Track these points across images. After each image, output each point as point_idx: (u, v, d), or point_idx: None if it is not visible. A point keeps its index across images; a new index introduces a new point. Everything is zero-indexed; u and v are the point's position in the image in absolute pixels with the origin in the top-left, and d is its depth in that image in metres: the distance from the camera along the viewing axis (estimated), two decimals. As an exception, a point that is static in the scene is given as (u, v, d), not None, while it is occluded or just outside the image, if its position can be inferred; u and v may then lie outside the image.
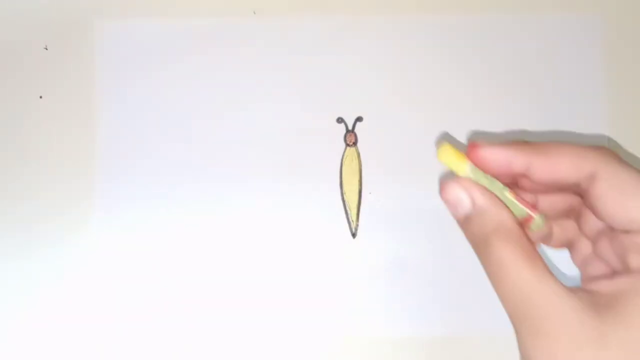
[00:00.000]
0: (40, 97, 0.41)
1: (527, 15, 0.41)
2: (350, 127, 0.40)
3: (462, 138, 0.39)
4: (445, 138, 0.40)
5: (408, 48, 0.41)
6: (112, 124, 0.40)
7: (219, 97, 0.40)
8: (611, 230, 0.24)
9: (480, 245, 0.23)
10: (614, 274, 0.24)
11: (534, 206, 0.24)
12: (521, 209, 0.23)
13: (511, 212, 0.23)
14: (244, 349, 0.38)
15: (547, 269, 0.22)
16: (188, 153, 0.40)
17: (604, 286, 0.22)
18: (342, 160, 0.40)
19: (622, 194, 0.22)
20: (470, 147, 0.24)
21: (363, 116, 0.40)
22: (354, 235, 0.39)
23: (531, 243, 0.22)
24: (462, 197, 0.23)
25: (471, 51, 0.40)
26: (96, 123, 0.40)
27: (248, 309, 0.39)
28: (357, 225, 0.39)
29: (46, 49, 0.41)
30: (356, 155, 0.40)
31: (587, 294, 0.21)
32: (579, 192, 0.23)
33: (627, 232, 0.23)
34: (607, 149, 0.23)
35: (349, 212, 0.39)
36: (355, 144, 0.40)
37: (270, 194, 0.39)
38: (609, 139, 0.39)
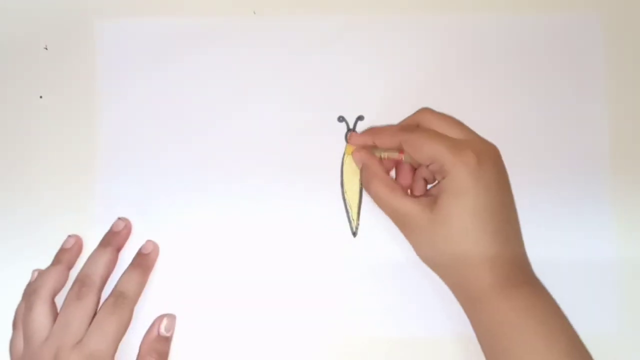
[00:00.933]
0: (41, 97, 0.41)
1: (527, 15, 0.41)
2: (351, 126, 0.40)
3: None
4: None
5: (408, 48, 0.41)
6: (113, 123, 0.40)
7: (219, 96, 0.40)
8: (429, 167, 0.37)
9: (366, 184, 0.38)
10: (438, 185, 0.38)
11: (401, 152, 0.38)
12: (393, 154, 0.38)
13: (382, 166, 0.38)
14: (243, 348, 0.38)
15: (403, 192, 0.36)
16: (188, 152, 0.40)
17: (434, 191, 0.37)
18: (343, 159, 0.40)
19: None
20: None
21: (364, 115, 0.40)
22: (354, 234, 0.39)
23: (394, 181, 0.38)
24: (358, 158, 0.38)
25: (471, 51, 0.41)
26: (96, 123, 0.40)
27: (248, 308, 0.38)
28: (357, 224, 0.39)
29: (46, 49, 0.41)
30: (357, 154, 0.40)
31: (426, 199, 0.36)
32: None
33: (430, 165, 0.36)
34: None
35: (349, 211, 0.39)
36: (356, 143, 0.40)
37: (270, 193, 0.39)
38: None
